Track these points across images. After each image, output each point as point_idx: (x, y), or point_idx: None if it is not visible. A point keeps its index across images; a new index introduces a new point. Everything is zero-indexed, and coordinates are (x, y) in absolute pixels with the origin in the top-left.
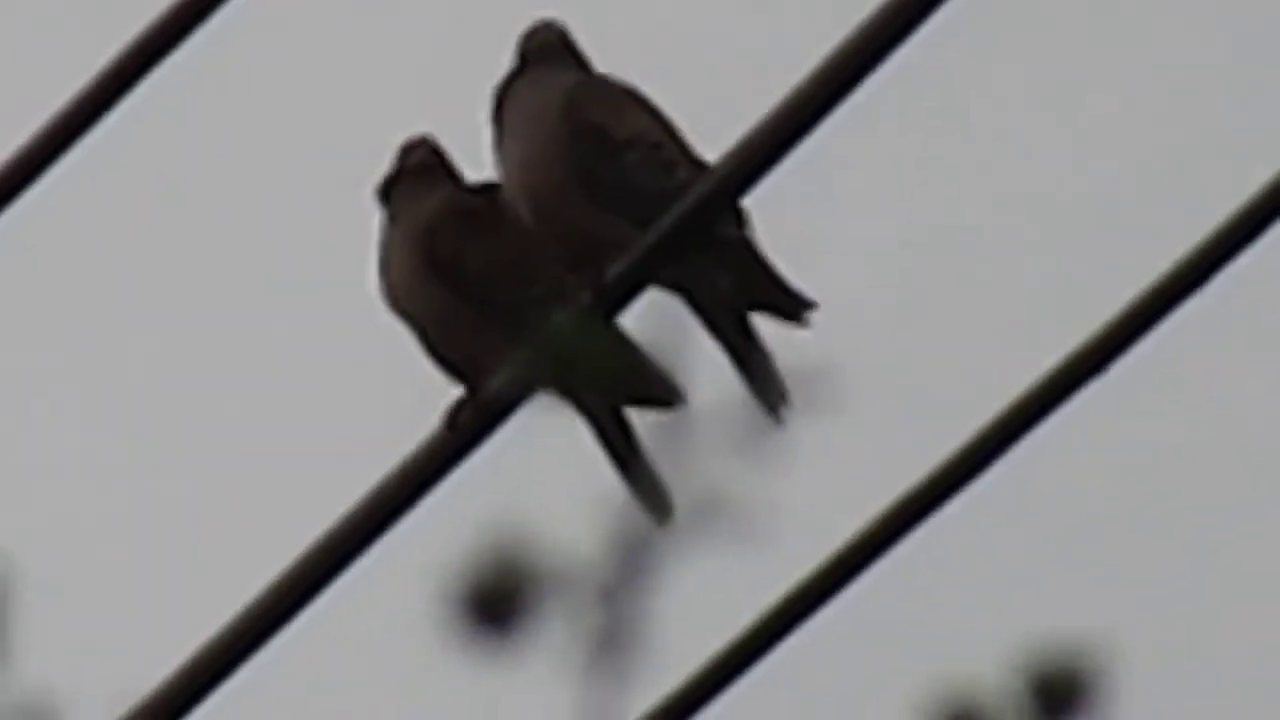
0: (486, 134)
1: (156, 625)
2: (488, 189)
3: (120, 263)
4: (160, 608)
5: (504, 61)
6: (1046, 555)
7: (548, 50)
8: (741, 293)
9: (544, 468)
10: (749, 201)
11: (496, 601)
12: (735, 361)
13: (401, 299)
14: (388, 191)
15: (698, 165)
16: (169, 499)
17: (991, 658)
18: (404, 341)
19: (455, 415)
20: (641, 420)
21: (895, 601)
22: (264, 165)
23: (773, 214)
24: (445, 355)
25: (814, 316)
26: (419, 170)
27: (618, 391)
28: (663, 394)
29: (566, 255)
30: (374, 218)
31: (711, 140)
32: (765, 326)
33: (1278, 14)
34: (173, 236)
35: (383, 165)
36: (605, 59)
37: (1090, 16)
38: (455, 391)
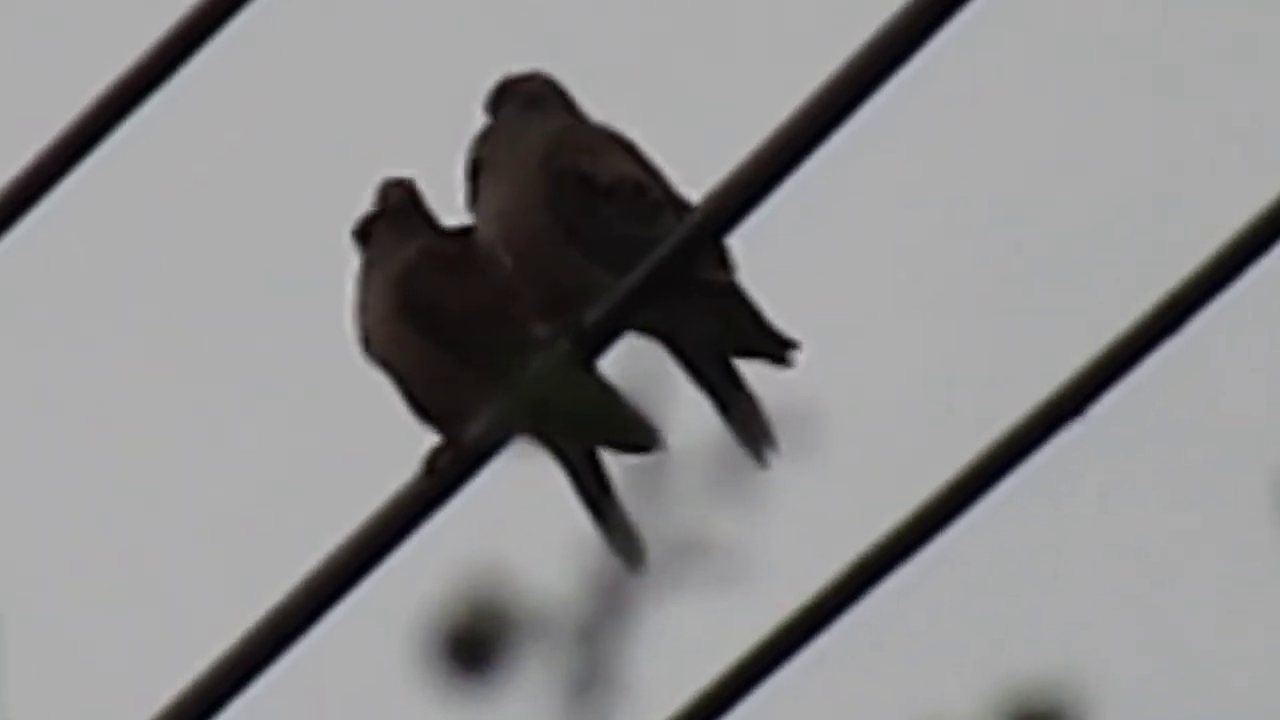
0: (464, 181)
1: (137, 670)
2: (464, 233)
3: (100, 302)
4: (141, 652)
5: (482, 108)
6: (1024, 597)
7: (531, 98)
8: (725, 335)
9: (522, 513)
10: (733, 241)
11: (475, 645)
12: (718, 405)
13: (377, 344)
14: (364, 233)
15: (682, 206)
16: (148, 546)
17: (969, 701)
18: (381, 387)
19: (433, 461)
20: (618, 465)
21: (872, 645)
22: (243, 206)
23: (757, 253)
24: (422, 401)
25: (797, 357)
26: (396, 213)
27: (595, 436)
28: (640, 439)
29: (545, 301)
30: (351, 261)
31: (696, 180)
32: (750, 368)
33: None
34: (151, 278)
35: (361, 207)
36: (590, 103)
37: (1064, 63)
38: (433, 437)
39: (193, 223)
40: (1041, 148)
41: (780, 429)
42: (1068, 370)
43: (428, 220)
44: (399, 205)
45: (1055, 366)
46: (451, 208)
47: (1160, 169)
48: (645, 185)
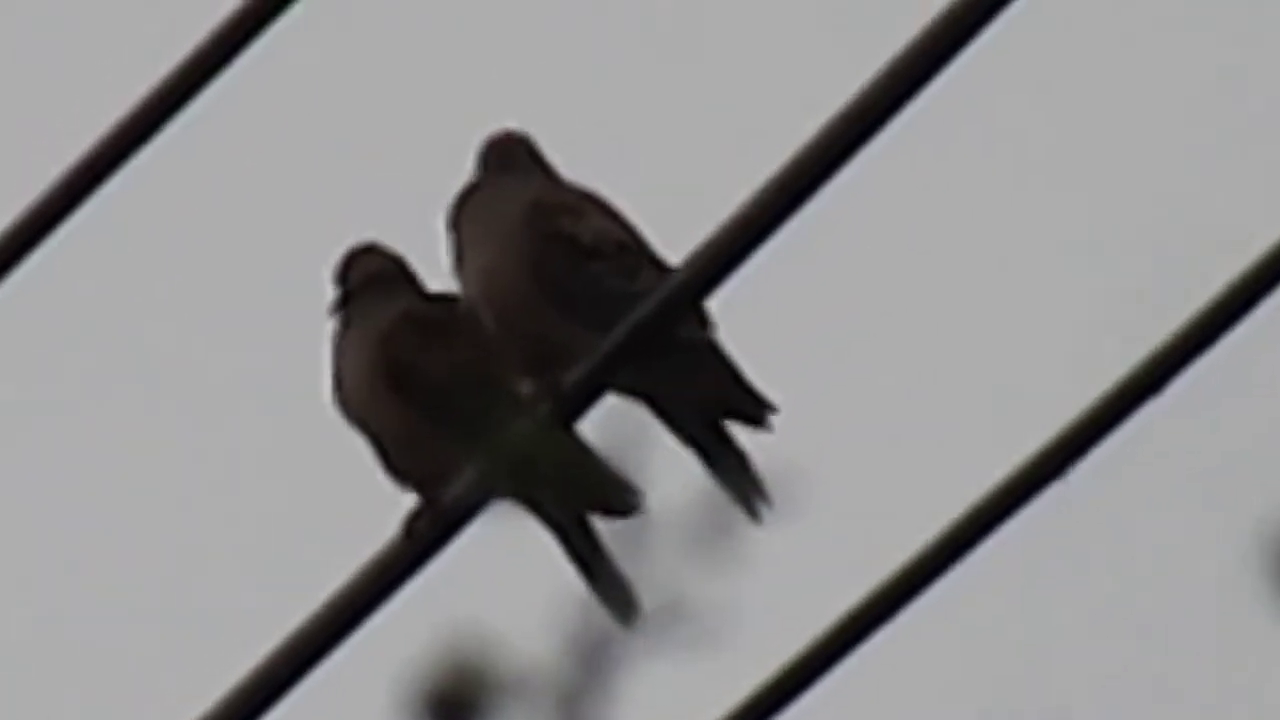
0: (445, 242)
1: None
2: (446, 299)
3: (76, 359)
4: (124, 713)
5: (465, 169)
6: (1013, 651)
7: (510, 159)
8: (706, 396)
9: (502, 574)
10: (713, 303)
11: (457, 707)
12: (705, 462)
13: (356, 406)
14: (344, 300)
15: (661, 268)
16: (128, 607)
17: None
18: (359, 449)
19: (413, 523)
20: (603, 524)
21: (858, 705)
22: (219, 266)
23: (737, 315)
24: (400, 463)
25: (776, 419)
26: (377, 278)
27: (576, 498)
28: (622, 500)
29: (527, 362)
30: (327, 324)
31: (675, 243)
32: (733, 428)
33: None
34: (125, 340)
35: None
36: (569, 164)
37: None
38: (411, 499)
39: (174, 276)
40: (1016, 209)
41: (768, 486)
42: (1049, 432)
43: (411, 283)
44: (379, 273)
45: (1036, 428)
46: (431, 264)
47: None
48: (626, 244)
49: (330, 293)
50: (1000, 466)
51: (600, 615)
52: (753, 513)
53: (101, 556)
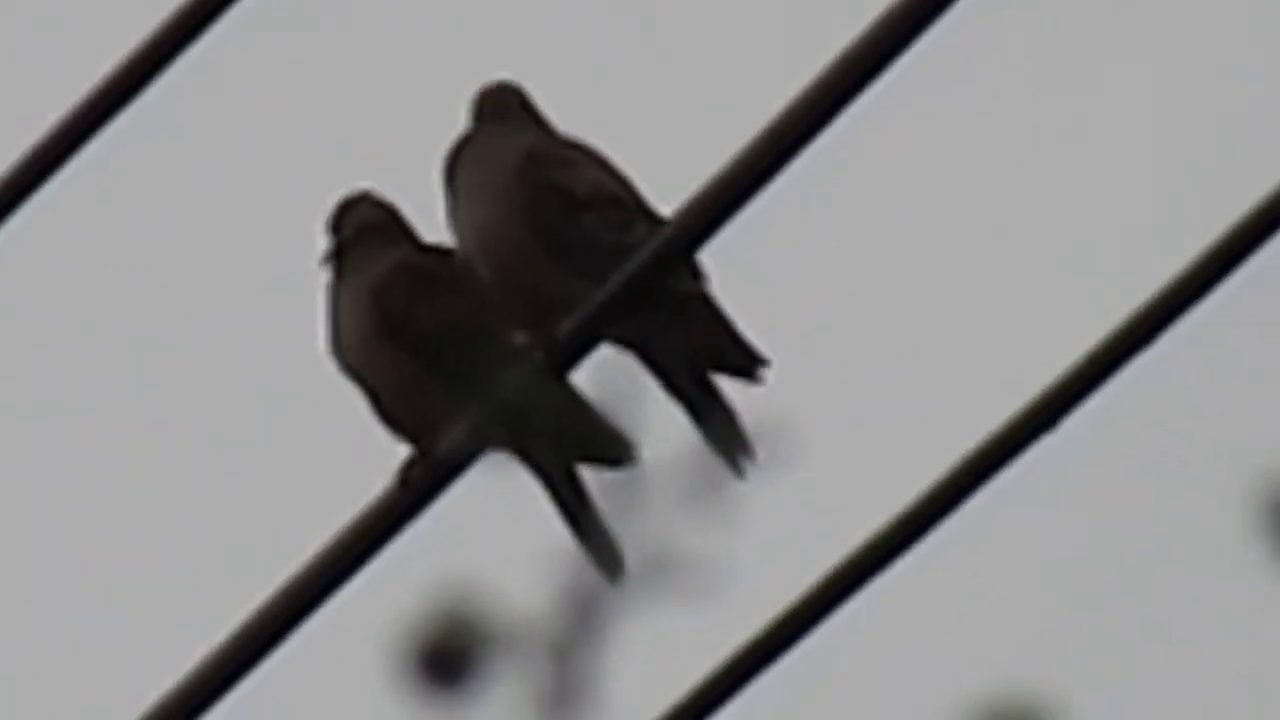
0: (439, 194)
1: (108, 679)
2: (440, 250)
3: (67, 313)
4: (113, 662)
5: (458, 121)
6: (1002, 610)
7: (503, 110)
8: (698, 348)
9: (496, 525)
10: (705, 255)
11: (449, 658)
12: (693, 417)
13: (352, 358)
14: (337, 250)
15: (654, 220)
16: (117, 557)
17: (945, 712)
18: (354, 399)
19: (407, 473)
20: (594, 477)
21: (848, 658)
22: (217, 212)
23: (730, 268)
24: (395, 415)
25: (768, 373)
26: (372, 228)
27: (569, 449)
28: (615, 452)
29: (522, 313)
30: (321, 274)
31: (668, 195)
32: (722, 383)
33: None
34: (117, 291)
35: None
36: (561, 116)
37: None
38: (405, 449)
39: (168, 228)
40: (1010, 167)
41: (756, 441)
42: (1039, 385)
43: (406, 234)
44: (374, 222)
45: (1026, 381)
46: (425, 216)
47: None
48: (620, 196)
49: (323, 243)
50: (990, 419)
51: (589, 569)
52: (737, 469)
53: (94, 505)
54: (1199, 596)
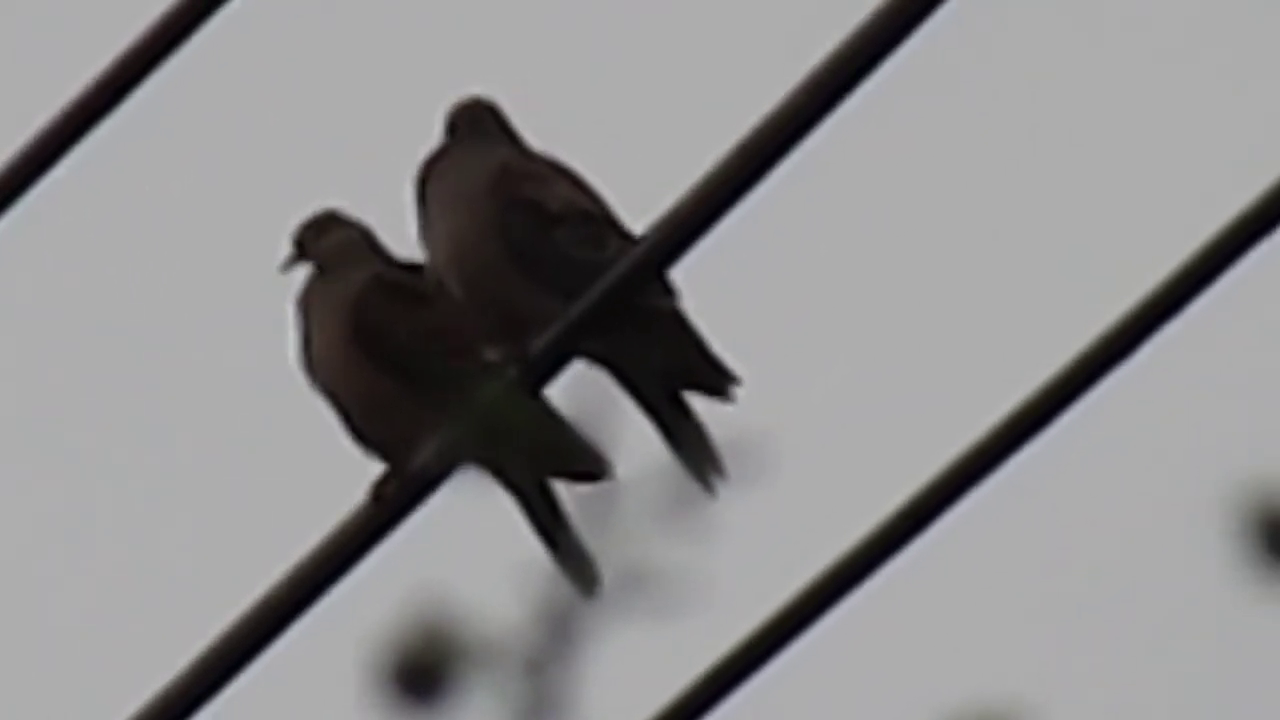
0: (412, 209)
1: (86, 695)
2: (413, 267)
3: (35, 327)
4: (88, 678)
5: (431, 136)
6: (978, 621)
7: (476, 126)
8: (670, 365)
9: (470, 541)
10: (678, 273)
11: (424, 673)
12: (664, 433)
13: (325, 373)
14: (299, 259)
15: (626, 238)
16: (91, 572)
17: None
18: (327, 415)
19: (380, 489)
20: (568, 492)
21: (823, 672)
22: (180, 235)
23: (702, 285)
24: (367, 431)
25: (740, 390)
26: (344, 246)
27: (543, 465)
28: (589, 467)
29: (495, 328)
30: (292, 289)
31: (640, 212)
32: (693, 400)
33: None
34: (91, 303)
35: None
36: (535, 133)
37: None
38: (378, 466)
39: (138, 243)
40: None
41: (728, 457)
42: (1015, 400)
43: (376, 250)
44: (346, 240)
45: (999, 396)
46: (397, 232)
47: None
48: (592, 212)
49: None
50: (964, 435)
51: (564, 584)
52: (709, 486)
53: (66, 522)
54: (1177, 606)
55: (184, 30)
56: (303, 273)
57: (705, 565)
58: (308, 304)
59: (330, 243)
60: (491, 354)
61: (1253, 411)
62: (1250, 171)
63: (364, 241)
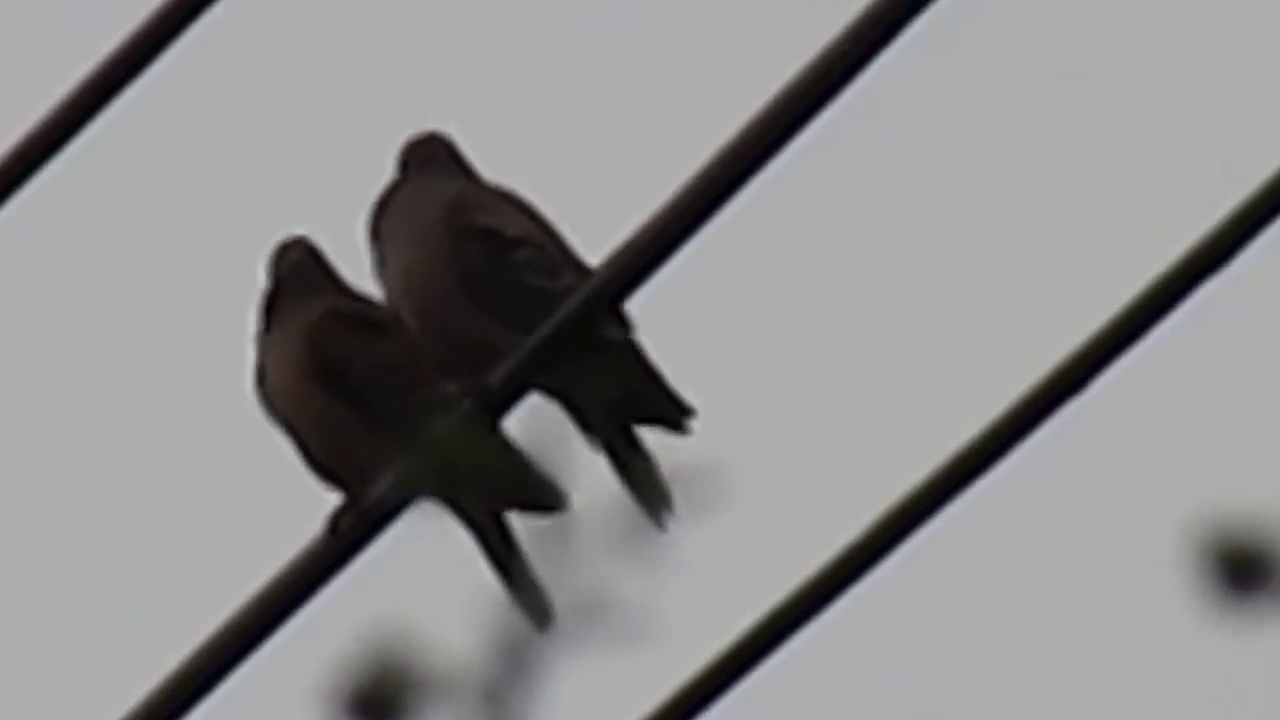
0: (366, 245)
1: None
2: (369, 300)
3: None
4: (45, 714)
5: (386, 170)
6: (933, 649)
7: (431, 160)
8: (624, 398)
9: (426, 573)
10: (632, 305)
11: (380, 704)
12: (617, 466)
13: (282, 404)
14: (270, 301)
15: (581, 270)
16: (46, 603)
17: None
18: (284, 446)
19: (337, 520)
20: (523, 524)
21: (778, 703)
22: (139, 265)
23: (656, 318)
24: (324, 462)
25: (695, 422)
26: (299, 275)
27: (499, 496)
28: (544, 499)
29: (450, 360)
30: (250, 319)
31: (594, 245)
32: (648, 433)
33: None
34: (48, 331)
35: (260, 267)
36: (489, 166)
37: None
38: (335, 497)
39: (91, 271)
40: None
41: (681, 491)
42: (971, 430)
43: (331, 279)
44: (299, 265)
45: (958, 424)
46: (357, 268)
47: None
48: (546, 245)
49: (259, 285)
50: (919, 468)
51: (518, 617)
52: (661, 519)
53: (19, 555)
54: (1136, 639)
55: (146, 61)
56: (259, 301)
57: (659, 597)
58: (265, 334)
59: (288, 268)
60: (448, 386)
61: (1213, 446)
62: (1205, 204)
63: (321, 270)
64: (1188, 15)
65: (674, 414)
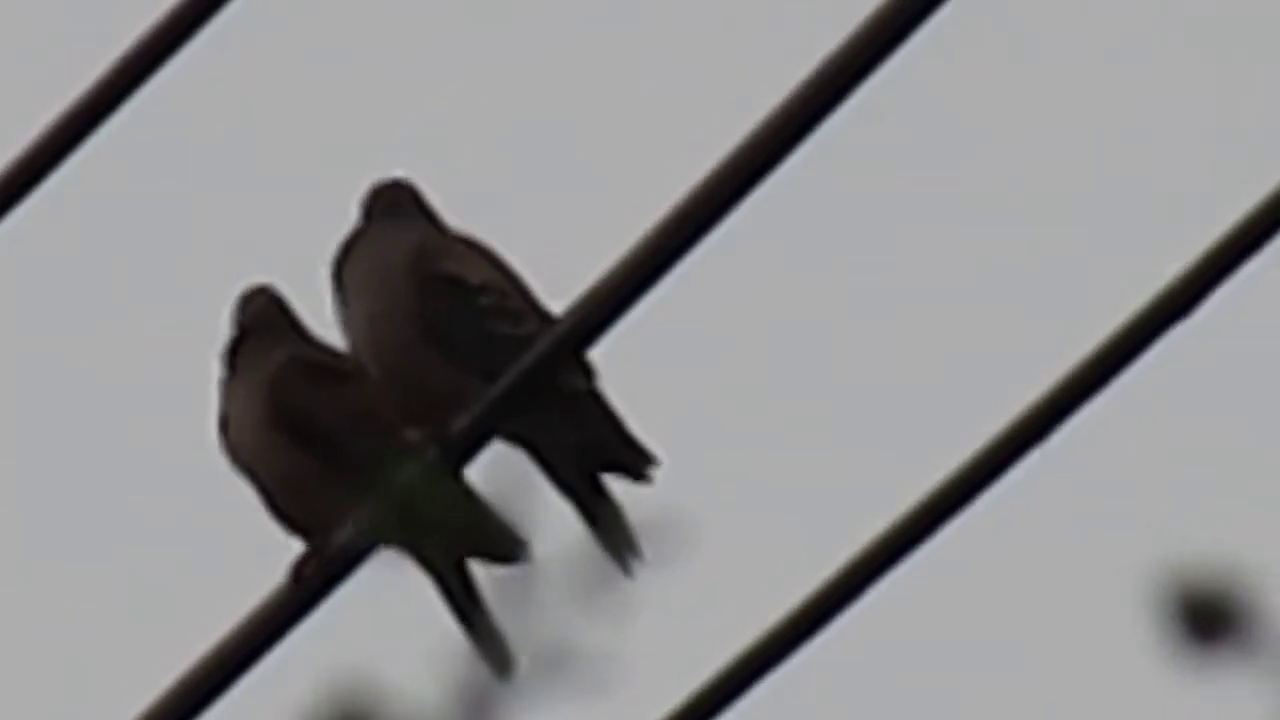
0: (329, 292)
1: None
2: (332, 349)
3: None
4: None
5: (349, 216)
6: (899, 696)
7: (394, 207)
8: (588, 446)
9: (389, 621)
10: (595, 354)
11: None
12: (582, 514)
13: (244, 452)
14: (233, 349)
15: (544, 317)
16: (6, 652)
17: None
18: (246, 494)
19: (300, 569)
20: (485, 573)
21: None
22: (103, 312)
23: (620, 366)
24: (287, 510)
25: (658, 471)
26: (262, 323)
27: (461, 545)
28: (506, 549)
29: (412, 409)
30: (213, 367)
31: (558, 293)
32: (612, 481)
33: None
34: (4, 379)
35: (222, 314)
36: (453, 213)
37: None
38: (299, 545)
39: (50, 318)
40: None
41: (646, 538)
42: (934, 479)
43: (294, 327)
44: (262, 313)
45: (924, 470)
46: (319, 315)
47: None
48: (509, 292)
49: (223, 333)
50: (882, 515)
51: (480, 666)
52: (625, 568)
53: None
54: (1098, 688)
55: (99, 114)
56: (223, 349)
57: (623, 646)
58: (228, 382)
59: (251, 316)
60: (411, 434)
61: (1176, 494)
62: (1170, 251)
63: (284, 318)
64: (1189, 18)
65: (637, 463)
